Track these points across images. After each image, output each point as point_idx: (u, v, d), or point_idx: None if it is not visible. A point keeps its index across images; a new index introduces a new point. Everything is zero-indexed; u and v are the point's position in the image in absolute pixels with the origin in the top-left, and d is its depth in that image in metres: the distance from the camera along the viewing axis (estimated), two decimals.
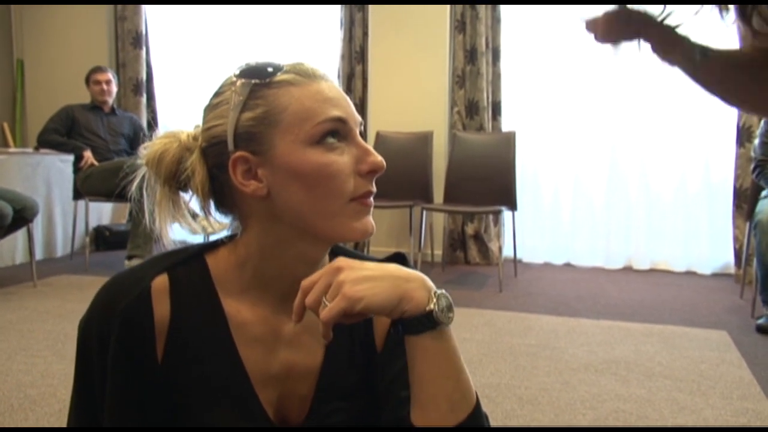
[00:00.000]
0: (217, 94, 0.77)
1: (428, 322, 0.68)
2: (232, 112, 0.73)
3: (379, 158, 0.75)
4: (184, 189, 0.79)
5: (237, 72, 0.76)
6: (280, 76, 0.73)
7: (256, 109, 0.73)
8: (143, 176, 0.79)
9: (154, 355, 0.74)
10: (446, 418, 0.70)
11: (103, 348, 0.73)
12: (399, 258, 0.88)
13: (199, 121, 0.79)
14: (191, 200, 0.81)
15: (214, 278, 0.78)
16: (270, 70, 0.74)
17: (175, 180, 0.78)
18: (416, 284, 0.69)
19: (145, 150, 0.79)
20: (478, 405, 0.73)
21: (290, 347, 0.80)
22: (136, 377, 0.74)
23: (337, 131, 0.73)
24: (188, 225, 0.81)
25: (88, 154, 4.20)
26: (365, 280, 0.66)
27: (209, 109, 0.77)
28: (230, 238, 0.82)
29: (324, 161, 0.72)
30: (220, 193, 0.78)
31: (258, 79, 0.73)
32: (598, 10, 1.11)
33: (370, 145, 0.75)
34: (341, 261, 0.68)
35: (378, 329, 0.85)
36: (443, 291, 0.70)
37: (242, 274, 0.78)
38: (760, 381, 2.29)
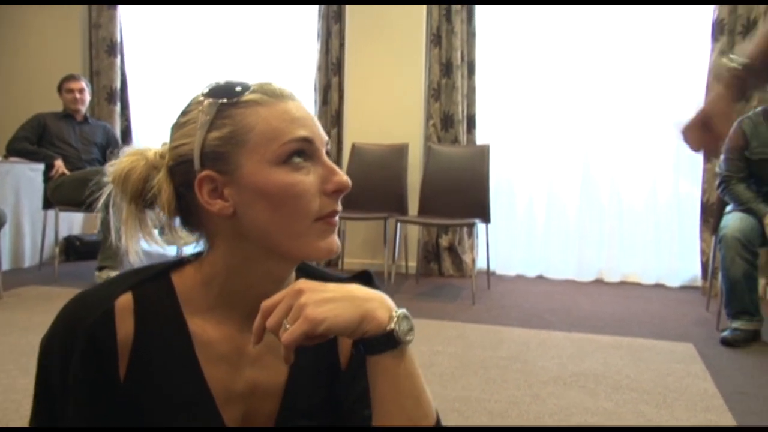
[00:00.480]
0: (184, 113, 0.77)
1: (389, 342, 0.69)
2: (199, 131, 0.74)
3: (345, 177, 0.75)
4: (151, 207, 0.80)
5: (204, 91, 0.76)
6: (247, 96, 0.74)
7: (222, 129, 0.73)
8: (110, 193, 0.80)
9: (117, 374, 0.74)
10: None
11: (64, 366, 0.73)
12: (365, 276, 0.89)
13: (169, 136, 0.80)
14: (159, 217, 0.81)
15: (180, 296, 0.79)
16: (237, 89, 0.75)
17: (141, 198, 0.78)
18: (377, 304, 0.70)
19: (112, 167, 0.79)
20: (438, 423, 0.74)
21: (255, 366, 0.81)
22: (98, 396, 0.73)
23: (303, 151, 0.74)
24: (155, 243, 0.81)
25: (59, 163, 4.15)
26: (326, 301, 0.67)
27: (176, 128, 0.77)
28: (196, 256, 0.82)
29: (290, 181, 0.72)
30: (187, 211, 0.78)
31: (225, 98, 0.74)
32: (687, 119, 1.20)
33: (336, 165, 0.76)
34: (302, 283, 0.69)
35: (342, 348, 0.86)
36: (404, 310, 0.71)
37: (208, 292, 0.78)
38: (723, 393, 2.34)
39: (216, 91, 0.75)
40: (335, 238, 0.77)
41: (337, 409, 0.83)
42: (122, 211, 0.79)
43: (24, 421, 1.95)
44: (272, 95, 0.75)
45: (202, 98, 0.76)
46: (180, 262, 0.82)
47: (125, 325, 0.75)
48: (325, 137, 0.77)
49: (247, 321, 0.77)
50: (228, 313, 0.79)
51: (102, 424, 0.74)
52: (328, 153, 0.78)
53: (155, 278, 0.79)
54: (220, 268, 0.77)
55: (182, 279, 0.80)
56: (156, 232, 0.82)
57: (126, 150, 0.80)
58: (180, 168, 0.76)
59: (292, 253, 0.75)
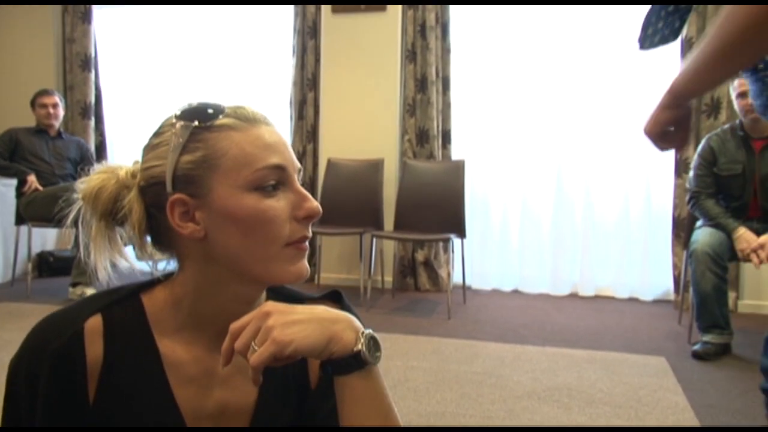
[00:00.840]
0: (156, 134, 0.78)
1: (356, 363, 0.70)
2: (172, 153, 0.74)
3: (315, 204, 0.76)
4: (121, 225, 0.80)
5: (177, 113, 0.76)
6: (220, 120, 0.75)
7: (195, 152, 0.74)
8: (79, 210, 0.80)
9: (86, 397, 0.74)
10: None
11: (31, 389, 0.73)
12: (335, 295, 0.90)
13: (141, 156, 0.80)
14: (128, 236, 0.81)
15: (150, 317, 0.79)
16: (210, 112, 0.75)
17: (111, 216, 0.79)
18: (344, 325, 0.71)
19: (83, 185, 0.79)
20: None
21: (224, 387, 0.81)
22: (67, 419, 0.73)
23: (275, 178, 0.75)
24: (125, 260, 0.81)
25: (32, 179, 4.10)
26: (294, 323, 0.68)
27: (149, 149, 0.78)
28: (167, 277, 0.82)
29: (261, 207, 0.73)
30: (158, 231, 0.79)
31: (198, 121, 0.74)
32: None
33: (306, 191, 0.77)
34: (269, 305, 0.70)
35: (311, 367, 0.87)
36: (370, 331, 0.72)
37: (177, 313, 0.79)
38: (693, 406, 2.38)
39: (189, 114, 0.76)
40: (305, 263, 0.78)
41: (306, 427, 0.84)
42: (92, 227, 0.79)
43: None
44: (245, 120, 0.75)
45: (174, 120, 0.76)
46: (150, 283, 0.82)
47: (94, 348, 0.75)
48: (297, 164, 0.79)
49: (217, 342, 0.78)
50: (197, 334, 0.79)
51: None
52: (299, 177, 0.79)
53: (125, 299, 0.80)
54: (190, 289, 0.78)
55: (152, 300, 0.80)
56: (125, 249, 0.82)
57: (97, 167, 0.80)
58: (151, 189, 0.76)
59: (262, 277, 0.76)
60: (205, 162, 0.73)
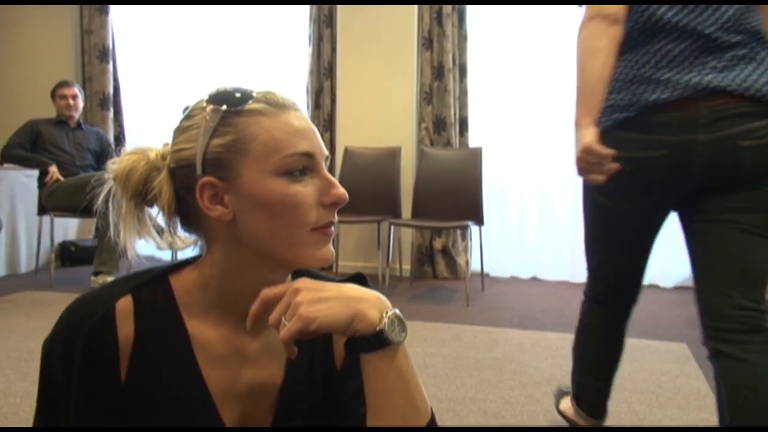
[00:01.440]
0: (187, 117, 0.79)
1: (378, 342, 0.71)
2: (202, 137, 0.75)
3: (342, 191, 0.78)
4: (150, 205, 0.81)
5: (208, 97, 0.77)
6: (250, 105, 0.75)
7: (225, 136, 0.74)
8: (109, 190, 0.81)
9: (118, 375, 0.76)
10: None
11: (66, 368, 0.74)
12: (358, 278, 0.91)
13: (168, 139, 0.81)
14: (158, 216, 0.82)
15: (178, 299, 0.80)
16: (240, 97, 0.76)
17: (141, 197, 0.80)
18: (369, 304, 0.72)
19: (114, 165, 0.80)
20: (432, 421, 0.75)
21: (252, 366, 0.82)
22: (100, 397, 0.75)
23: (304, 164, 0.76)
24: (153, 240, 0.82)
25: (53, 169, 4.15)
26: (320, 300, 0.69)
27: (179, 132, 0.79)
28: (195, 259, 0.83)
29: (289, 192, 0.74)
30: (186, 213, 0.80)
31: (229, 106, 0.75)
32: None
33: (334, 177, 0.78)
34: (300, 282, 0.71)
35: (337, 347, 0.88)
36: (396, 311, 0.73)
37: (205, 295, 0.80)
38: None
39: (220, 98, 0.76)
40: (330, 248, 0.79)
41: (333, 407, 0.85)
42: (122, 207, 0.80)
43: (23, 423, 1.97)
44: (275, 105, 0.76)
45: (205, 104, 0.77)
46: (178, 266, 0.83)
47: (125, 327, 0.77)
48: (325, 151, 0.80)
49: (243, 323, 0.79)
50: (225, 315, 0.80)
51: (104, 424, 0.75)
52: (327, 164, 0.80)
53: (154, 281, 0.81)
54: (217, 271, 0.79)
55: (180, 282, 0.81)
56: (154, 230, 0.83)
57: (128, 148, 0.81)
58: (181, 171, 0.77)
59: (289, 261, 0.77)
60: (235, 146, 0.74)
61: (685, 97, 1.34)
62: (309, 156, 0.76)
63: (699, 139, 1.36)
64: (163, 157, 0.80)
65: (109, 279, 3.90)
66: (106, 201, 0.81)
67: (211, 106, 0.76)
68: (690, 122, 1.36)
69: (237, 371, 0.81)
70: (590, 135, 1.46)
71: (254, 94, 0.77)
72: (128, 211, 0.80)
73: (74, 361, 0.74)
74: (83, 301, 0.78)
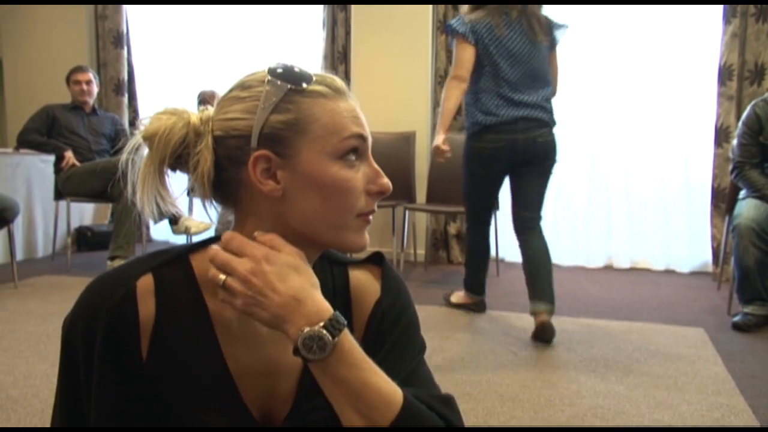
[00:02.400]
0: (243, 88, 0.77)
1: (298, 353, 0.71)
2: (262, 110, 0.74)
3: (388, 182, 0.79)
4: (174, 170, 0.79)
5: (269, 71, 0.76)
6: (313, 86, 0.75)
7: (287, 113, 0.74)
8: (134, 148, 0.78)
9: (139, 354, 0.75)
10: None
11: (88, 347, 0.74)
12: (377, 257, 0.90)
13: (217, 106, 0.78)
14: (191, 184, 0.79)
15: (199, 278, 0.79)
16: (305, 76, 0.76)
17: (170, 159, 0.77)
18: (298, 315, 0.70)
19: (147, 123, 0.77)
20: (404, 410, 0.73)
21: (273, 346, 0.81)
22: (122, 375, 0.74)
23: (358, 149, 0.76)
24: (170, 205, 0.80)
25: (69, 155, 4.17)
26: (267, 290, 0.71)
27: (233, 101, 0.76)
28: (217, 239, 0.82)
29: (344, 176, 0.75)
30: (224, 184, 0.78)
31: (293, 84, 0.75)
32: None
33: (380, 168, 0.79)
34: (274, 255, 0.73)
35: (357, 328, 0.86)
36: (315, 329, 0.70)
37: None
38: (734, 377, 2.34)
39: (285, 75, 0.76)
40: (367, 235, 0.80)
41: (322, 428, 0.83)
42: (148, 169, 0.77)
43: (43, 405, 1.99)
44: (335, 90, 0.77)
45: (269, 78, 0.76)
46: (200, 245, 0.82)
47: (146, 306, 0.76)
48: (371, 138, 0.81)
49: None
50: None
51: (126, 403, 0.75)
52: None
53: (174, 260, 0.80)
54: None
55: (202, 261, 0.80)
56: (173, 197, 0.80)
57: (162, 107, 0.79)
58: (230, 141, 0.75)
59: (329, 243, 0.78)
60: (296, 125, 0.74)
61: (511, 118, 2.79)
62: (363, 139, 0.77)
63: (519, 137, 2.81)
64: (206, 122, 0.77)
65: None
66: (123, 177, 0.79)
67: (274, 81, 0.75)
68: (514, 129, 2.79)
69: (257, 350, 0.80)
70: (441, 139, 2.89)
71: (314, 77, 0.77)
72: (153, 174, 0.77)
73: (95, 340, 0.73)
74: (103, 281, 0.77)
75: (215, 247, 0.74)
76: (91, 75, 4.46)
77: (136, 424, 0.75)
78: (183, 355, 0.77)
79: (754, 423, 1.95)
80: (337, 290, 0.87)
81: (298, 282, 0.72)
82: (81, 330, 0.74)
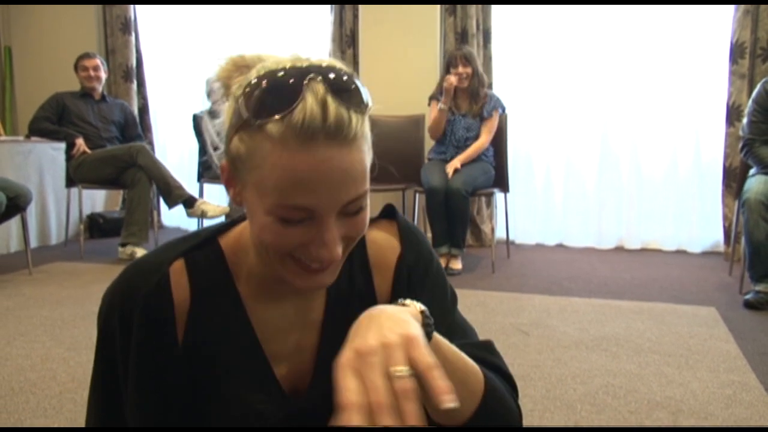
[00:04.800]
0: (238, 86, 0.68)
1: (430, 328, 0.67)
2: (229, 127, 0.68)
3: (329, 256, 0.66)
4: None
5: (249, 85, 0.65)
6: (270, 124, 0.62)
7: (241, 143, 0.66)
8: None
9: (175, 338, 0.76)
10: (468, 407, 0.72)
11: (125, 334, 0.75)
12: (389, 211, 0.89)
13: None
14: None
15: (228, 260, 0.80)
16: (260, 109, 0.63)
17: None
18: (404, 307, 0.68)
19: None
20: (488, 383, 0.74)
21: (301, 330, 0.82)
22: (159, 361, 0.75)
23: (300, 217, 0.65)
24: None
25: (80, 142, 4.20)
26: (396, 325, 0.60)
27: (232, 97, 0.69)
28: (240, 220, 0.82)
29: (273, 229, 0.66)
30: None
31: (251, 115, 0.64)
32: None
33: (334, 234, 0.66)
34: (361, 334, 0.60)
35: (382, 288, 0.86)
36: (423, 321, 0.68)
37: (247, 258, 0.79)
38: (746, 354, 2.35)
39: (251, 96, 0.64)
40: (317, 278, 0.70)
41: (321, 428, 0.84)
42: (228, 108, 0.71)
43: (61, 387, 2.02)
44: (299, 135, 0.62)
45: (239, 93, 0.66)
46: (226, 227, 0.82)
47: (180, 291, 0.76)
48: (348, 197, 0.66)
49: (282, 285, 0.77)
50: (270, 280, 0.79)
51: (164, 387, 0.76)
52: (361, 207, 0.70)
53: (204, 243, 0.80)
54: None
55: (229, 242, 0.80)
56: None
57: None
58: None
59: (279, 273, 0.72)
60: (246, 161, 0.66)
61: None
62: (308, 210, 0.65)
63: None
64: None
65: (138, 250, 3.96)
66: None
67: (242, 103, 0.65)
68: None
69: (284, 334, 0.81)
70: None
71: (289, 107, 0.62)
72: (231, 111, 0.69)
73: (132, 327, 0.74)
74: (137, 268, 0.78)
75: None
76: (98, 61, 4.46)
77: (173, 408, 0.76)
78: (217, 338, 0.78)
79: (766, 400, 1.96)
80: (354, 257, 0.83)
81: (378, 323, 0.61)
82: (117, 318, 0.75)
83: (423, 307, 0.67)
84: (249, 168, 0.66)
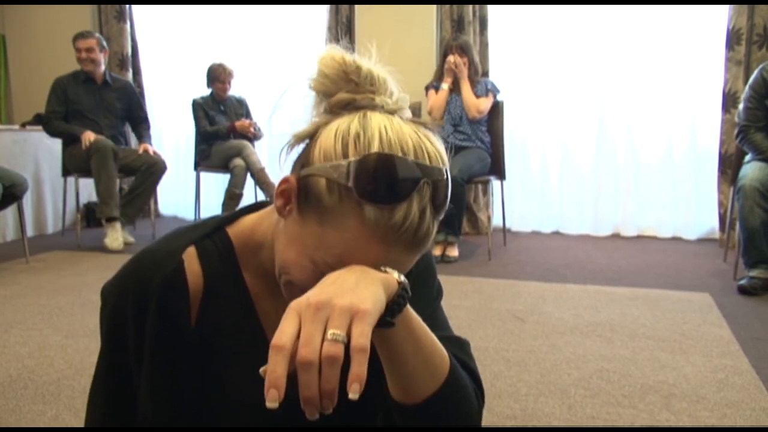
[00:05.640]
0: (354, 134, 0.66)
1: (404, 300, 0.66)
2: (322, 169, 0.66)
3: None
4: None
5: (366, 157, 0.64)
6: (368, 206, 0.63)
7: (329, 194, 0.65)
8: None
9: (190, 324, 0.78)
10: (429, 386, 0.73)
11: (139, 320, 0.75)
12: None
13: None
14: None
15: (237, 250, 0.81)
16: (373, 194, 0.63)
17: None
18: (377, 272, 0.66)
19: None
20: (453, 370, 0.75)
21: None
22: (175, 344, 0.76)
23: None
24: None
25: (86, 135, 4.05)
26: (349, 290, 0.60)
27: (341, 134, 0.67)
28: (251, 209, 0.84)
29: (308, 274, 0.69)
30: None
31: (356, 188, 0.63)
32: None
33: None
34: (303, 299, 0.60)
35: None
36: (399, 290, 0.66)
37: (258, 250, 0.80)
38: (739, 339, 2.36)
39: (364, 171, 0.64)
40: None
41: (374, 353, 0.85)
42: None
43: (58, 374, 2.03)
44: (389, 236, 0.64)
45: (357, 156, 0.64)
46: (234, 217, 0.84)
47: (194, 277, 0.78)
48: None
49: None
50: (269, 274, 0.80)
51: (176, 373, 0.77)
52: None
53: (213, 234, 0.82)
54: (270, 238, 0.78)
55: (238, 233, 0.82)
56: None
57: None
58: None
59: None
60: (321, 211, 0.66)
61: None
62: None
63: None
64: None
65: (118, 227, 4.00)
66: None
67: (355, 167, 0.64)
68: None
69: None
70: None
71: (391, 199, 0.63)
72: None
73: (147, 313, 0.75)
74: (150, 256, 0.78)
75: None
76: (93, 42, 4.22)
77: (184, 396, 0.77)
78: (225, 326, 0.80)
79: (758, 383, 1.98)
80: None
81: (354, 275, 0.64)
82: (131, 304, 0.75)
83: (403, 279, 0.66)
84: (322, 219, 0.66)
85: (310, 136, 0.70)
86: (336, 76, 0.73)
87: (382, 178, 0.63)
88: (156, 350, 0.75)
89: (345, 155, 0.65)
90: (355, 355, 0.55)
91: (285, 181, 0.70)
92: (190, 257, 0.78)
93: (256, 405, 0.79)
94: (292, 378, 0.56)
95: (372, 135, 0.65)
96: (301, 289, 0.65)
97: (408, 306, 0.67)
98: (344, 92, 0.72)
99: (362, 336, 0.56)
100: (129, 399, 0.77)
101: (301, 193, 0.68)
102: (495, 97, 4.01)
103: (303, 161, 0.69)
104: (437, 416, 0.73)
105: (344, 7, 4.68)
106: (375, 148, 0.64)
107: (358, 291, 0.60)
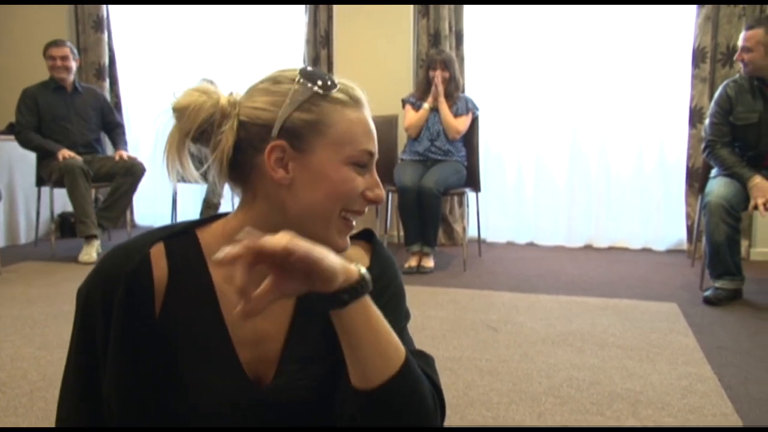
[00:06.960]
0: (273, 81, 0.84)
1: (361, 289, 0.75)
2: (288, 106, 0.81)
3: (383, 192, 0.87)
4: (195, 142, 0.85)
5: (303, 72, 0.84)
6: (336, 93, 0.83)
7: (309, 113, 0.81)
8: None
9: (153, 312, 0.83)
10: (383, 372, 0.78)
11: (106, 308, 0.80)
12: (367, 234, 0.98)
13: (247, 93, 0.84)
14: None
15: (204, 249, 0.86)
16: (329, 83, 0.83)
17: (194, 132, 0.83)
18: (341, 261, 0.75)
19: (178, 97, 0.84)
20: (407, 362, 0.80)
21: (264, 316, 0.86)
22: (138, 333, 0.81)
23: (365, 163, 0.85)
24: (189, 175, 0.86)
25: (63, 153, 4.05)
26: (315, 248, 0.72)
27: (261, 92, 0.83)
28: (220, 217, 0.90)
29: (350, 177, 0.83)
30: (239, 165, 0.84)
31: (321, 89, 0.82)
32: None
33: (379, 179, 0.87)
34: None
35: None
36: (360, 275, 0.77)
37: (227, 243, 0.84)
38: (703, 347, 2.44)
39: (312, 77, 0.83)
40: (348, 240, 0.88)
41: (336, 353, 0.89)
42: (173, 140, 0.84)
43: (31, 386, 2.03)
44: (355, 101, 0.84)
45: (298, 77, 0.83)
46: (204, 221, 0.90)
47: (160, 269, 0.84)
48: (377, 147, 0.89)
49: (261, 275, 0.82)
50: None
51: (140, 358, 0.81)
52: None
53: (181, 233, 0.87)
54: (248, 225, 0.82)
55: (207, 234, 0.88)
56: (193, 168, 0.86)
57: (192, 84, 0.85)
58: (253, 128, 0.82)
59: (317, 236, 0.80)
60: (316, 125, 0.81)
61: None
62: (372, 155, 0.85)
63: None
64: (233, 105, 0.84)
65: (95, 243, 3.98)
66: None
67: (302, 81, 0.82)
68: None
69: (252, 320, 0.85)
70: None
71: (338, 84, 0.84)
72: (178, 144, 0.84)
73: (113, 302, 0.80)
74: (119, 251, 0.84)
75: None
76: (68, 50, 4.25)
77: (147, 382, 0.81)
78: (189, 319, 0.84)
79: (719, 389, 2.04)
80: None
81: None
82: (100, 294, 0.81)
83: (364, 272, 0.76)
84: (319, 131, 0.81)
85: (236, 123, 0.83)
86: (211, 92, 0.86)
87: (323, 76, 0.84)
88: (121, 338, 0.80)
89: (284, 91, 0.82)
90: (242, 243, 0.69)
91: (271, 150, 0.81)
92: (158, 252, 0.84)
93: (218, 397, 0.83)
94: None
95: (278, 71, 0.86)
96: (345, 209, 0.84)
97: (369, 299, 0.77)
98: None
99: (283, 239, 0.68)
100: (97, 395, 0.82)
101: (292, 143, 0.81)
102: (474, 114, 4.07)
103: (260, 132, 0.82)
104: (388, 404, 0.78)
105: (322, 21, 4.73)
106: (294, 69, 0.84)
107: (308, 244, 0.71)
